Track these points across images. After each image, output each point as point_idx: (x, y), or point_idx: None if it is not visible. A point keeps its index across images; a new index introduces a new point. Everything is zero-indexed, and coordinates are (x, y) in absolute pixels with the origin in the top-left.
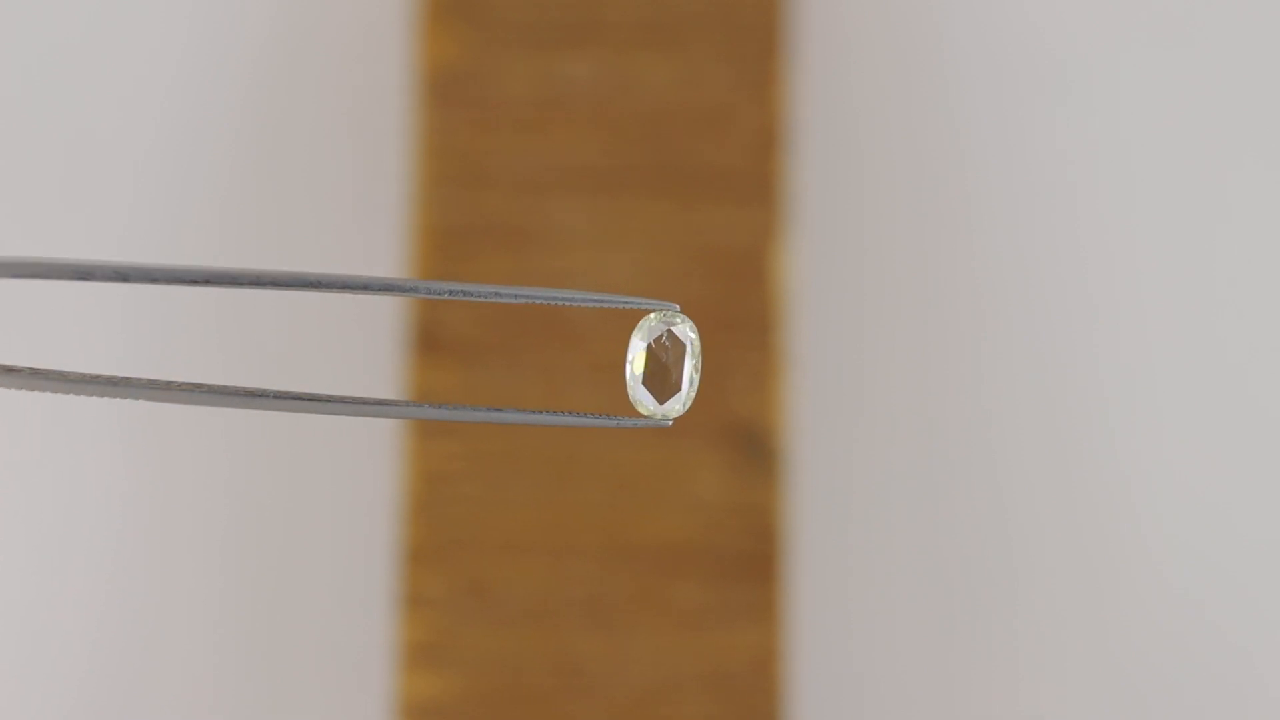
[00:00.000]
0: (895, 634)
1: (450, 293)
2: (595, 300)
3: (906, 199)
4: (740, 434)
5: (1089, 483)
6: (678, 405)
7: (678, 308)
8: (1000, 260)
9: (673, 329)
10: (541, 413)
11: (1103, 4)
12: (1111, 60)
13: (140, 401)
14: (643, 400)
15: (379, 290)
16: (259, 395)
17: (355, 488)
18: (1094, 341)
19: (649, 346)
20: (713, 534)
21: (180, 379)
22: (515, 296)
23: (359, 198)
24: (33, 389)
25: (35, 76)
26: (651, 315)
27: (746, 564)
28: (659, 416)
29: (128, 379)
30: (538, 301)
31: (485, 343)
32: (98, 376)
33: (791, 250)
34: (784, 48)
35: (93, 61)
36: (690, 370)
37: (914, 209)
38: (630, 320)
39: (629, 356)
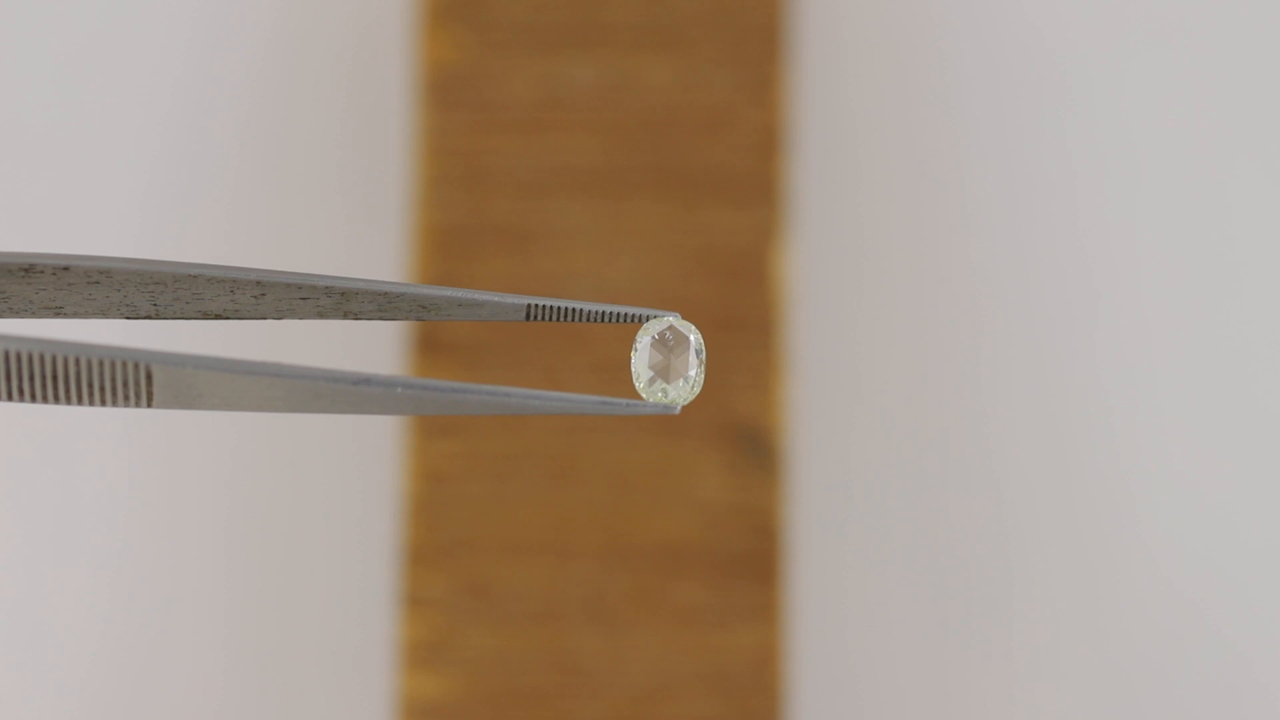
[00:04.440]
0: (894, 634)
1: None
2: (600, 312)
3: (906, 200)
4: (740, 434)
5: (1087, 483)
6: (685, 392)
7: (678, 316)
8: (999, 261)
9: (675, 326)
10: (549, 393)
11: (1100, 6)
12: (1109, 62)
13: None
14: (649, 389)
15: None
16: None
17: (355, 488)
18: (1092, 341)
19: (653, 339)
20: (713, 534)
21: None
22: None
23: (359, 198)
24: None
25: (38, 78)
26: (652, 319)
27: (746, 564)
28: (666, 401)
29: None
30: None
31: (487, 343)
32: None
33: (791, 250)
34: (784, 49)
35: (93, 62)
36: (695, 361)
37: (913, 210)
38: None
39: (634, 349)
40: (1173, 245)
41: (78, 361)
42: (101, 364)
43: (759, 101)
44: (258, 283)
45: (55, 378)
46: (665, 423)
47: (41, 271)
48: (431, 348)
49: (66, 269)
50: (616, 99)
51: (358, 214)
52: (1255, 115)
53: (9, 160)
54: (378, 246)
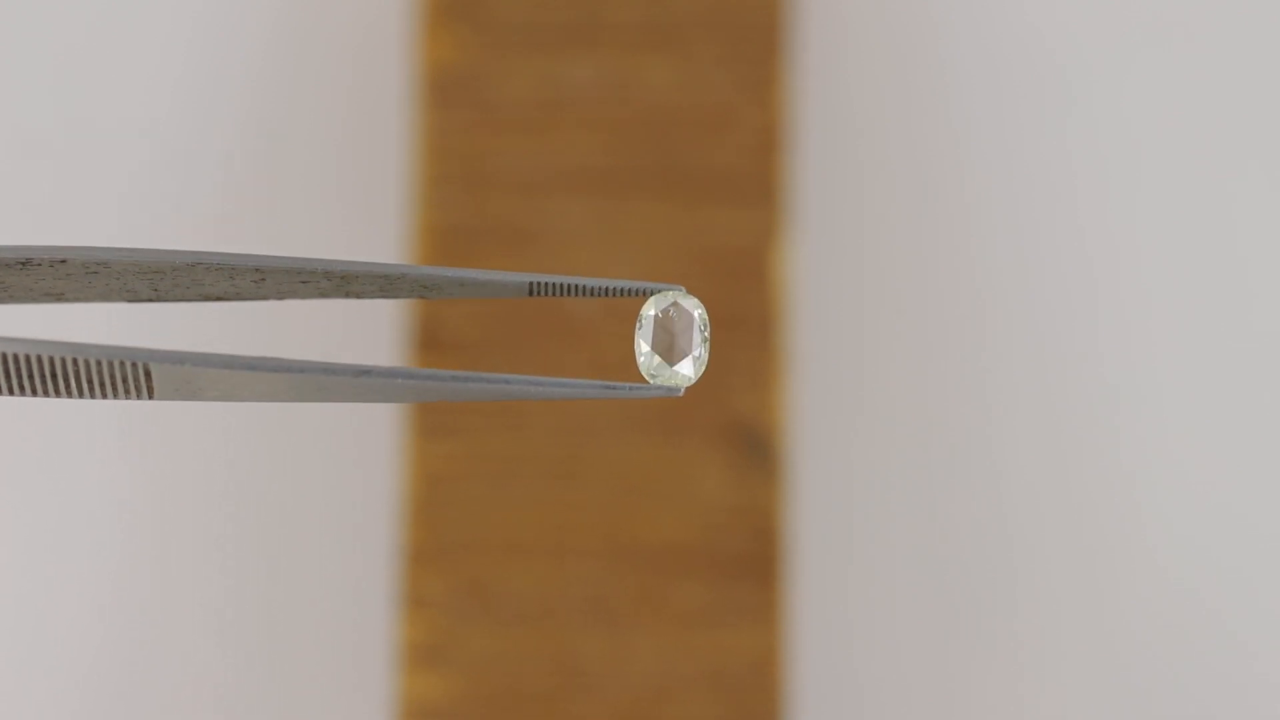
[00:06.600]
0: (895, 634)
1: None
2: (603, 288)
3: (906, 199)
4: (740, 434)
5: (1090, 482)
6: (688, 374)
7: (683, 290)
8: (1000, 260)
9: (679, 302)
10: (550, 379)
11: (1100, 6)
12: (1111, 62)
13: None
14: (652, 370)
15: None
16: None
17: (355, 488)
18: (1094, 339)
19: (656, 317)
20: (713, 534)
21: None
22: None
23: (359, 198)
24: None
25: (38, 76)
26: (657, 294)
27: (747, 564)
28: (670, 385)
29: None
30: (549, 295)
31: (487, 341)
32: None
33: (791, 250)
34: (785, 49)
35: (93, 61)
36: (699, 339)
37: (914, 209)
38: (632, 319)
39: (637, 327)
40: (1174, 244)
41: (75, 362)
42: (100, 364)
43: (759, 101)
44: (256, 269)
45: (55, 376)
46: (665, 423)
47: (39, 264)
48: (432, 345)
49: (64, 261)
50: (617, 98)
51: (358, 214)
52: (1256, 115)
53: (8, 158)
54: (378, 246)
